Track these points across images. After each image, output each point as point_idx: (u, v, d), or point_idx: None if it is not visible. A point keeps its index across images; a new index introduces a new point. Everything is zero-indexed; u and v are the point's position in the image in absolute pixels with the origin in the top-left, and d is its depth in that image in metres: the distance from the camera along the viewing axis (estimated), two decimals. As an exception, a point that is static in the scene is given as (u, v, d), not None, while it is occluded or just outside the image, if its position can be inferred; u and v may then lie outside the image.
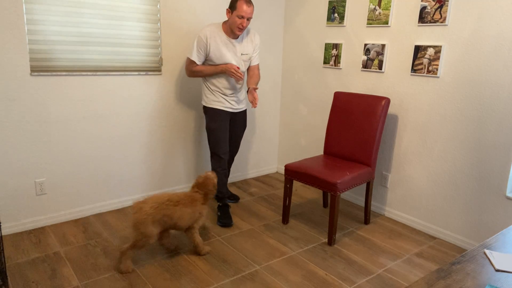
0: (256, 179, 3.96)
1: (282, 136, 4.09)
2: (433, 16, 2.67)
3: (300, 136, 3.86)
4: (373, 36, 3.07)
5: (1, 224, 2.48)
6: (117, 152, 3.04)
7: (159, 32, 3.03)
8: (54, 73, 2.64)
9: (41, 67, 2.59)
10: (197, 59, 2.77)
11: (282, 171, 4.13)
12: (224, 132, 2.90)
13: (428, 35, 2.73)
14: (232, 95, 2.90)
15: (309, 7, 3.55)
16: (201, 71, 2.81)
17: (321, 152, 3.66)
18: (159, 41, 3.05)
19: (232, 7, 2.68)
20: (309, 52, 3.61)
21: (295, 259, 2.50)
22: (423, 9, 2.72)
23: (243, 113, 3.08)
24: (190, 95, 3.32)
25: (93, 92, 2.82)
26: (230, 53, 2.79)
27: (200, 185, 2.42)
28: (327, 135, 3.13)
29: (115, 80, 2.90)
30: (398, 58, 2.93)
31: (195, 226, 2.42)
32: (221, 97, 2.88)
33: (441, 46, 2.65)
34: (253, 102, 2.71)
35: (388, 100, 2.84)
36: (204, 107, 2.94)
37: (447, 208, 2.78)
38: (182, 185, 3.48)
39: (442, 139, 2.76)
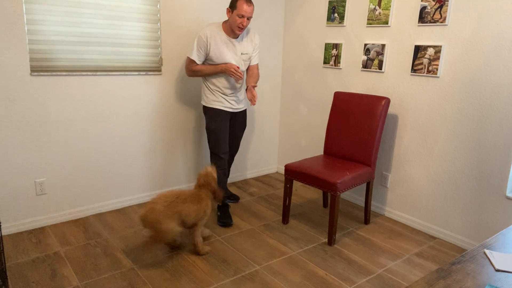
0: (256, 179, 3.96)
1: (282, 136, 4.09)
2: (433, 16, 2.67)
3: (300, 136, 3.86)
4: (373, 36, 3.07)
5: (1, 224, 2.47)
6: (117, 152, 3.04)
7: (159, 32, 3.03)
8: (54, 73, 2.64)
9: (41, 67, 2.59)
10: (197, 58, 2.77)
11: (282, 171, 4.13)
12: (224, 132, 2.90)
13: (428, 35, 2.73)
14: (232, 95, 2.91)
15: (309, 7, 3.55)
16: (201, 70, 2.81)
17: (321, 152, 3.66)
18: (159, 41, 3.05)
19: (232, 7, 2.68)
20: (309, 52, 3.61)
21: (295, 259, 2.50)
22: (423, 9, 2.72)
23: (243, 113, 3.08)
24: (190, 95, 3.32)
25: (93, 92, 2.82)
26: (230, 52, 2.79)
27: (204, 185, 2.46)
28: (327, 135, 3.13)
29: (115, 80, 2.90)
30: (398, 58, 2.93)
31: (198, 224, 2.44)
32: (221, 97, 2.88)
33: (441, 46, 2.65)
34: (252, 100, 2.72)
35: (388, 100, 2.84)
36: (204, 107, 2.94)
37: (447, 208, 2.78)
38: (182, 185, 3.48)
39: (442, 139, 2.76)
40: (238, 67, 2.72)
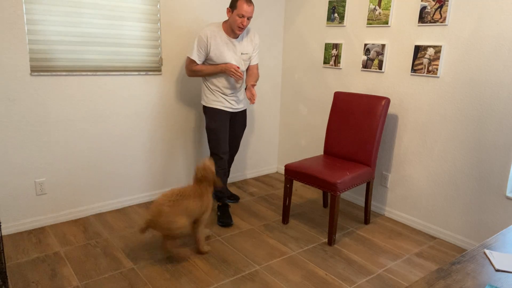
0: (256, 179, 3.96)
1: (282, 136, 4.09)
2: (433, 16, 2.67)
3: (300, 136, 3.86)
4: (373, 36, 3.07)
5: (1, 224, 2.48)
6: (117, 152, 3.04)
7: (159, 32, 3.03)
8: (54, 73, 2.64)
9: (41, 67, 2.59)
10: (197, 58, 2.77)
11: (282, 171, 4.13)
12: (224, 132, 2.90)
13: (428, 35, 2.73)
14: (232, 95, 2.91)
15: (309, 7, 3.55)
16: (201, 70, 2.81)
17: (321, 152, 3.66)
18: (159, 41, 3.05)
19: (232, 6, 2.68)
20: (309, 52, 3.61)
21: (295, 259, 2.50)
22: (423, 9, 2.72)
23: (243, 112, 3.09)
24: (190, 95, 3.32)
25: (93, 92, 2.82)
26: (230, 52, 2.79)
27: (202, 179, 2.46)
28: (327, 135, 3.13)
29: (115, 80, 2.90)
30: (398, 58, 2.93)
31: (202, 219, 2.45)
32: (221, 97, 2.88)
33: (441, 46, 2.65)
34: (251, 99, 2.72)
35: (388, 100, 2.84)
36: (204, 106, 2.94)
37: (447, 208, 2.78)
38: (182, 185, 3.48)
39: (442, 139, 2.76)
40: (238, 67, 2.72)
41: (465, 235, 2.71)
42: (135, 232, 2.77)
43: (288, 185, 2.88)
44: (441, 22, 2.63)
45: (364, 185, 3.30)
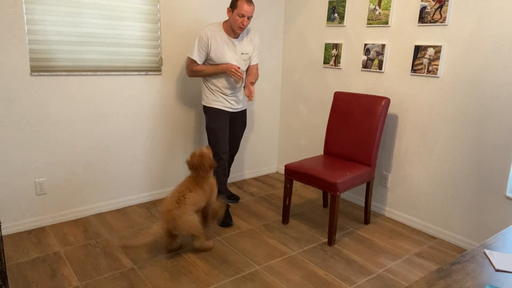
0: (256, 179, 3.96)
1: (282, 136, 4.09)
2: (433, 16, 2.67)
3: (300, 136, 3.86)
4: (373, 36, 3.07)
5: (1, 224, 2.47)
6: (117, 152, 3.04)
7: (159, 32, 3.03)
8: (54, 73, 2.64)
9: (41, 67, 2.58)
10: (198, 58, 2.77)
11: (282, 171, 4.13)
12: (224, 132, 2.90)
13: (428, 35, 2.73)
14: (232, 95, 2.91)
15: (309, 7, 3.55)
16: (202, 70, 2.81)
17: (321, 152, 3.66)
18: (159, 41, 3.05)
19: (233, 6, 2.68)
20: (309, 52, 3.61)
21: (295, 259, 2.50)
22: (423, 9, 2.72)
23: (243, 112, 3.09)
24: (190, 95, 3.32)
25: (93, 92, 2.82)
26: (230, 52, 2.80)
27: (198, 166, 2.48)
28: (327, 135, 3.13)
29: (115, 80, 2.90)
30: (398, 58, 2.93)
31: (212, 197, 2.56)
32: (221, 97, 2.88)
33: (441, 46, 2.65)
34: (249, 96, 2.72)
35: (388, 100, 2.84)
36: (204, 106, 2.94)
37: (447, 208, 2.78)
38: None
39: (442, 139, 2.76)
40: (239, 68, 2.72)
41: (465, 235, 2.71)
42: (135, 232, 2.77)
43: (288, 185, 2.88)
44: (441, 22, 2.63)
45: (364, 185, 3.30)
